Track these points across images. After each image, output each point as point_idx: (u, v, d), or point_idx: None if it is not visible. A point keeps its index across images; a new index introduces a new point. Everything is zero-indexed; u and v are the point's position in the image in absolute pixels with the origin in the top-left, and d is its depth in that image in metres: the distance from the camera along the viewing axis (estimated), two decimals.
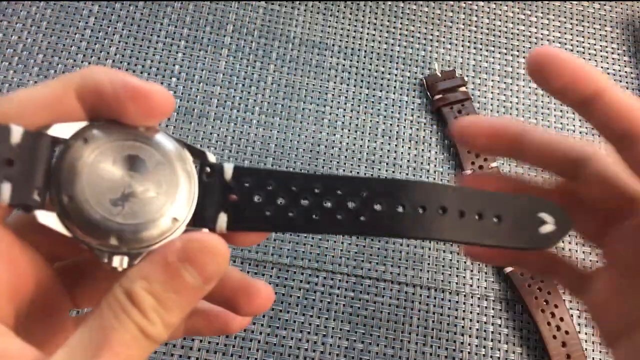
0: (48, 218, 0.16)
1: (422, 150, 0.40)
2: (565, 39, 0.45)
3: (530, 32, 0.44)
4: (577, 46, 0.44)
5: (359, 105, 0.41)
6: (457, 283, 0.36)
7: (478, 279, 0.37)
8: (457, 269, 0.37)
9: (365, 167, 0.39)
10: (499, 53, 0.43)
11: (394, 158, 0.39)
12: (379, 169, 0.39)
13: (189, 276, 0.16)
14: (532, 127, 0.22)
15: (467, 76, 0.42)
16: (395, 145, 0.40)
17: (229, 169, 0.19)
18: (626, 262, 0.21)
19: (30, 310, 0.18)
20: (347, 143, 0.40)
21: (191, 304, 0.17)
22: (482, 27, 0.44)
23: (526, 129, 0.22)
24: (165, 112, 0.17)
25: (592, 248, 0.36)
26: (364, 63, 0.42)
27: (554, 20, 0.45)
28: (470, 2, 0.45)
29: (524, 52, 0.44)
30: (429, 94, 0.41)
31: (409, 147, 0.40)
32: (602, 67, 0.44)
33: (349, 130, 0.40)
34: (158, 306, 0.16)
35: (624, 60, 0.44)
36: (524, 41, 0.44)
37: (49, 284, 0.19)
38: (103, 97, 0.17)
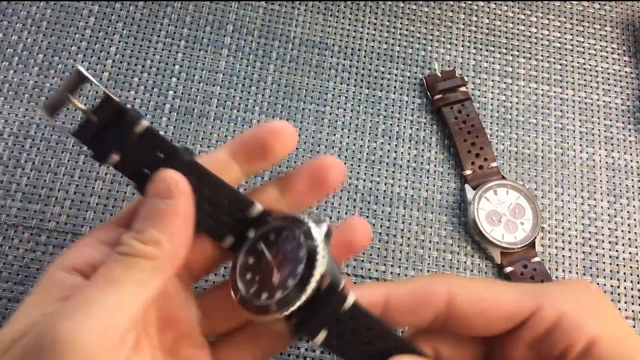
0: None
1: (422, 150, 0.40)
2: (565, 39, 0.45)
3: (530, 32, 0.44)
4: (577, 46, 0.44)
5: (359, 105, 0.41)
6: None
7: None
8: (457, 269, 0.37)
9: (365, 167, 0.39)
10: (499, 53, 0.43)
11: (394, 158, 0.39)
12: (379, 169, 0.39)
13: (146, 204, 0.20)
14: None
15: (467, 76, 0.42)
16: (395, 145, 0.40)
17: (350, 303, 0.20)
18: None
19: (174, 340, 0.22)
20: (347, 143, 0.40)
21: (162, 216, 0.20)
22: (482, 27, 0.44)
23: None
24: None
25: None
26: (364, 63, 0.42)
27: (554, 20, 0.45)
28: (470, 2, 0.45)
29: (524, 52, 0.44)
30: (429, 94, 0.41)
31: (409, 147, 0.40)
32: (602, 67, 0.44)
33: (349, 130, 0.40)
34: (132, 233, 0.20)
35: (624, 60, 0.44)
36: (524, 41, 0.44)
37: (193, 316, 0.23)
38: (248, 142, 0.22)
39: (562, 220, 0.39)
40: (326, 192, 0.23)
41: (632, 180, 0.41)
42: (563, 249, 0.38)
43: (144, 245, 0.19)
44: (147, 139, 0.21)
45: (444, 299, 0.21)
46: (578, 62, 0.44)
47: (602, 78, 0.44)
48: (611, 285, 0.38)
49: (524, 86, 0.43)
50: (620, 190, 0.40)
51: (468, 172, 0.39)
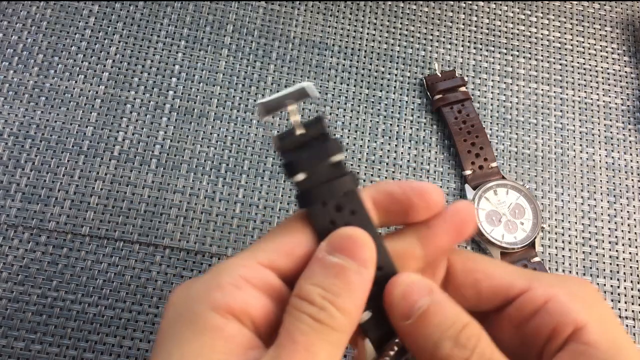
0: None
1: (422, 150, 0.40)
2: (565, 39, 0.45)
3: (530, 32, 0.44)
4: (577, 46, 0.44)
5: (359, 105, 0.41)
6: None
7: None
8: None
9: (365, 167, 0.39)
10: (499, 53, 0.43)
11: (394, 158, 0.39)
12: (379, 169, 0.39)
13: (341, 261, 0.19)
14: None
15: (467, 76, 0.42)
16: (395, 145, 0.40)
17: None
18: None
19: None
20: (347, 143, 0.40)
21: (357, 285, 0.19)
22: (482, 27, 0.44)
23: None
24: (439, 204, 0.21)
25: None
26: (364, 63, 0.42)
27: (554, 20, 0.45)
28: (470, 2, 0.45)
29: (524, 52, 0.44)
30: (429, 94, 0.41)
31: (409, 147, 0.40)
32: (602, 67, 0.44)
33: (349, 130, 0.40)
34: (325, 293, 0.18)
35: (624, 60, 0.44)
36: (524, 41, 0.44)
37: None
38: (394, 198, 0.21)
39: (562, 220, 0.39)
40: (458, 243, 0.22)
41: (632, 180, 0.41)
42: (563, 249, 0.38)
43: (340, 315, 0.18)
44: (336, 170, 0.20)
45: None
46: (578, 62, 0.44)
47: (602, 78, 0.44)
48: (611, 285, 0.37)
49: (524, 86, 0.43)
50: (620, 190, 0.40)
51: (468, 172, 0.39)
